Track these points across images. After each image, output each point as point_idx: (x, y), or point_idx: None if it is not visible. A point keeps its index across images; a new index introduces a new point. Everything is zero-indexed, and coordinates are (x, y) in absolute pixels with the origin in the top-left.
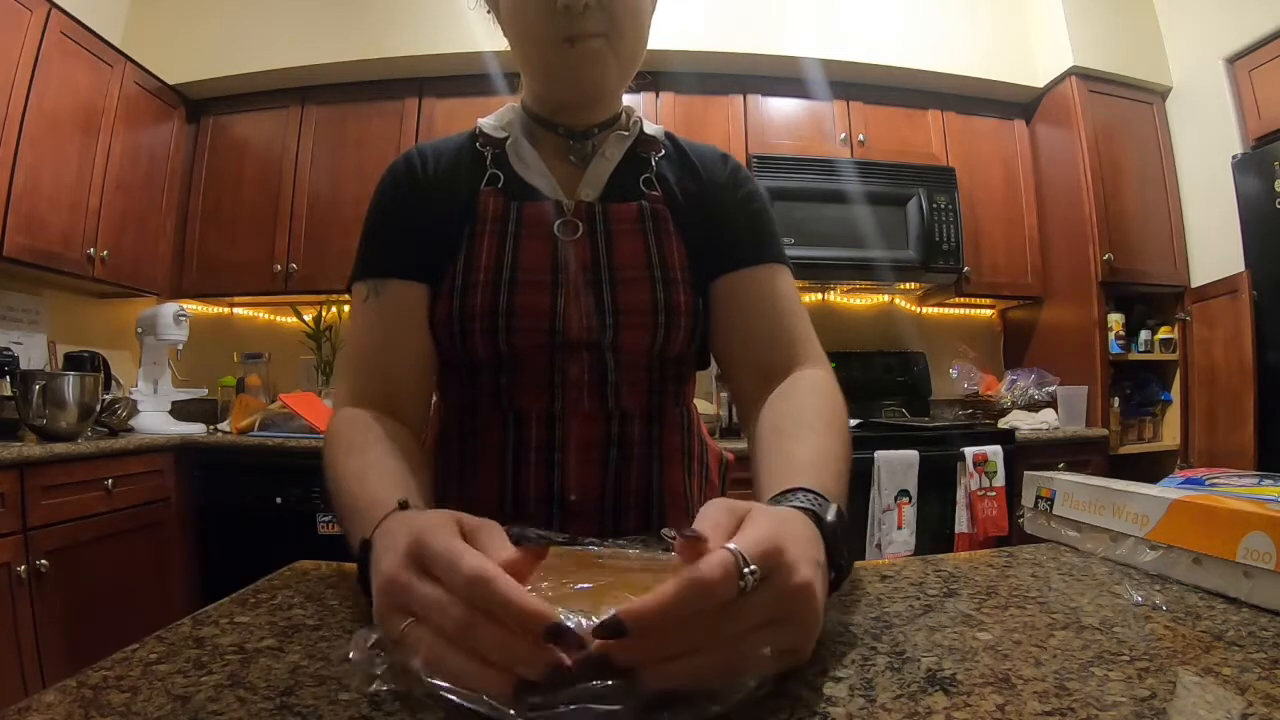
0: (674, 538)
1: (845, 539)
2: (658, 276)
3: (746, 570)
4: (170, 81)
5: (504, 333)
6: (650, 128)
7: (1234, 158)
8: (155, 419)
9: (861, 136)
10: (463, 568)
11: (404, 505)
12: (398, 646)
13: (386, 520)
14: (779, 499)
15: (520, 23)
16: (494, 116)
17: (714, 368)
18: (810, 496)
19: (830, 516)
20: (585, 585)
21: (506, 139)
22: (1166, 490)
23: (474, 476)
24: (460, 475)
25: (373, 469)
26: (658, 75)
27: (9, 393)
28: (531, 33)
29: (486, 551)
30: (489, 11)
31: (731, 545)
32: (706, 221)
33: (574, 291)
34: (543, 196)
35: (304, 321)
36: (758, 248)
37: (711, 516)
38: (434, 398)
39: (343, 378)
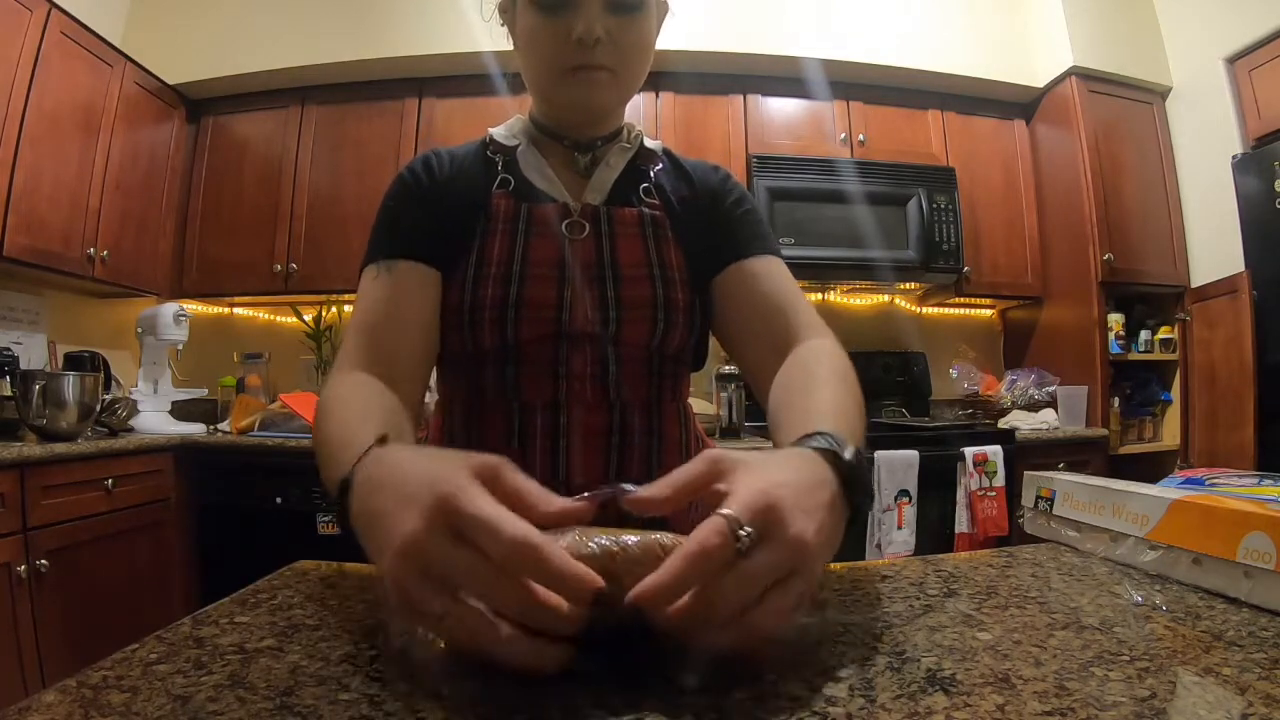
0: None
1: (866, 476)
2: (657, 275)
3: (741, 532)
4: (170, 81)
5: (512, 323)
6: (649, 142)
7: (1234, 158)
8: (155, 419)
9: (861, 136)
10: (505, 536)
11: (383, 440)
12: (428, 618)
13: (370, 457)
14: (797, 445)
15: (533, 47)
16: (504, 127)
17: (711, 369)
18: (827, 439)
19: (848, 455)
20: (603, 540)
21: (517, 147)
22: (1166, 490)
23: None
24: None
25: (356, 412)
26: (658, 75)
27: (9, 393)
28: (543, 58)
29: (527, 500)
30: (503, 24)
31: (725, 510)
32: (702, 227)
33: (579, 286)
34: (551, 199)
35: (304, 321)
36: (751, 242)
37: (687, 468)
38: (434, 396)
39: (343, 350)
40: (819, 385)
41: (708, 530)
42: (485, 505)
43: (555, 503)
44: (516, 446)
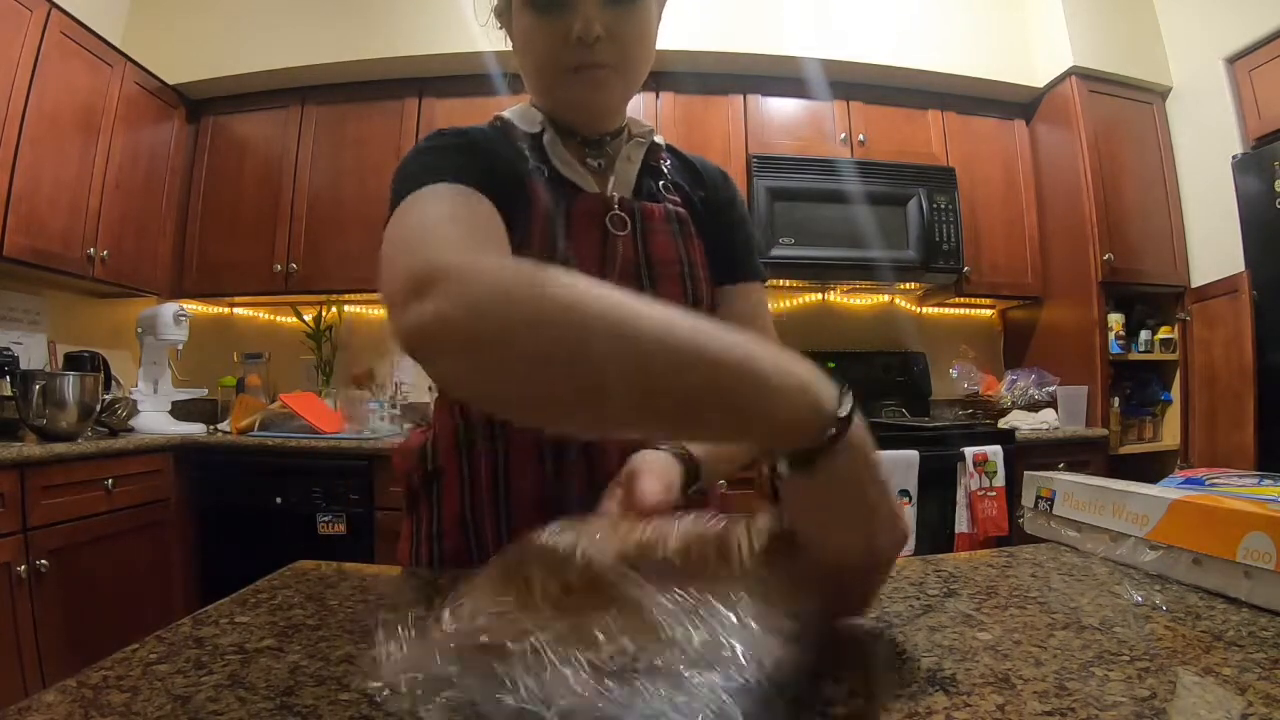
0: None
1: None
2: (686, 274)
3: None
4: (170, 81)
5: None
6: (656, 137)
7: (1234, 158)
8: (155, 419)
9: (861, 136)
10: None
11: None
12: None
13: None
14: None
15: (532, 48)
16: (514, 113)
17: None
18: None
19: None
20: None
21: (543, 134)
22: (1166, 490)
23: (510, 475)
24: (493, 477)
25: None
26: (658, 75)
27: (9, 393)
28: (542, 58)
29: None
30: (500, 28)
31: None
32: (713, 232)
33: (620, 284)
34: (586, 191)
35: (304, 321)
36: (746, 266)
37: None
38: (434, 394)
39: (445, 243)
40: None
41: None
42: None
43: None
44: (550, 453)
